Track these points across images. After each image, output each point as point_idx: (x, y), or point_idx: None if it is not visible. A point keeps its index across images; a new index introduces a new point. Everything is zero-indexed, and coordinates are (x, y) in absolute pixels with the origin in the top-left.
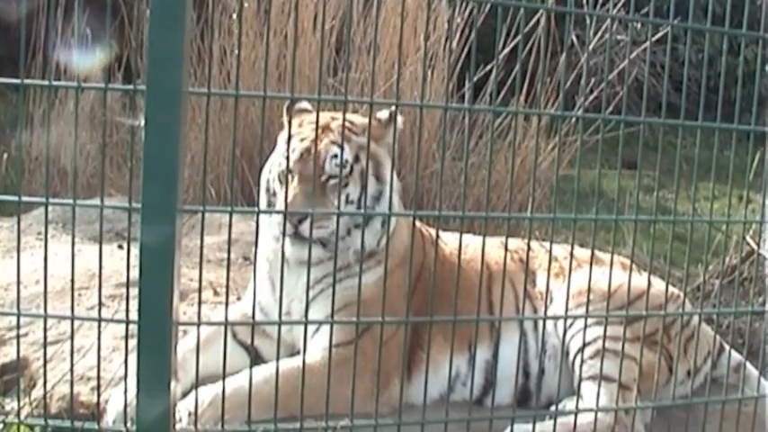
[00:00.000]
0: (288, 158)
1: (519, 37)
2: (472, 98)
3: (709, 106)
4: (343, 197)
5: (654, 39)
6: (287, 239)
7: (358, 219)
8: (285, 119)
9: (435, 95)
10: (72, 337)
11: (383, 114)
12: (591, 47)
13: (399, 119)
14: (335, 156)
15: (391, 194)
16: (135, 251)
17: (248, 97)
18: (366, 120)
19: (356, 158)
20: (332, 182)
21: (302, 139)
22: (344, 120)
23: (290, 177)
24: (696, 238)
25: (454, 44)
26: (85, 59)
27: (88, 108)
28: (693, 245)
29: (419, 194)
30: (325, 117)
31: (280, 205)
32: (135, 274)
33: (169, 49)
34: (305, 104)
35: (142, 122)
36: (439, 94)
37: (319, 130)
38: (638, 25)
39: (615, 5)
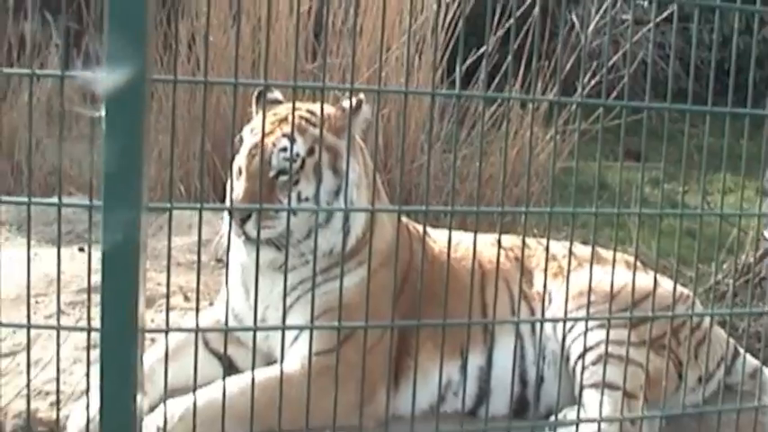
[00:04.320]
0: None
1: (512, 18)
2: (463, 84)
3: (723, 90)
4: (294, 194)
5: (660, 18)
6: (238, 240)
7: (320, 217)
8: (254, 109)
9: (423, 82)
10: (28, 348)
11: (347, 103)
12: (591, 27)
13: (366, 107)
14: (284, 149)
15: (347, 188)
16: (97, 254)
17: (218, 84)
18: (330, 109)
19: (310, 152)
20: (282, 178)
21: (255, 133)
22: (295, 109)
23: (238, 174)
24: (709, 233)
25: (443, 26)
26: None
27: (44, 98)
28: (705, 241)
29: (406, 189)
30: (287, 108)
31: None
32: (97, 278)
33: (131, 32)
34: (277, 95)
35: (102, 113)
36: (428, 81)
37: (275, 123)
38: (645, 3)
39: None
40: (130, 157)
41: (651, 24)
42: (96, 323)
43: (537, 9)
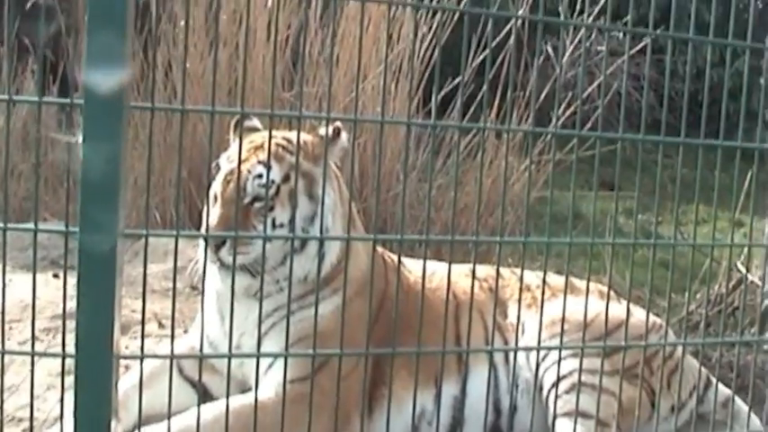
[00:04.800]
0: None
1: (488, 48)
2: (439, 114)
3: (697, 122)
4: (269, 221)
5: (635, 50)
6: (213, 267)
7: (295, 244)
8: (232, 136)
9: (399, 111)
10: (2, 374)
11: (327, 131)
12: (565, 58)
13: (344, 135)
14: (260, 176)
15: (323, 215)
16: (72, 280)
17: (195, 112)
18: (308, 137)
19: (285, 178)
20: (257, 204)
21: (231, 160)
22: (271, 137)
23: (213, 200)
24: (682, 264)
25: (419, 56)
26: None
27: (20, 124)
28: (679, 271)
29: (381, 218)
30: (263, 136)
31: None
32: (72, 304)
33: (110, 60)
34: (255, 123)
35: (80, 139)
36: (404, 110)
37: (251, 150)
38: (620, 35)
39: (590, 15)
40: (107, 183)
41: (625, 56)
42: (71, 349)
43: (512, 39)
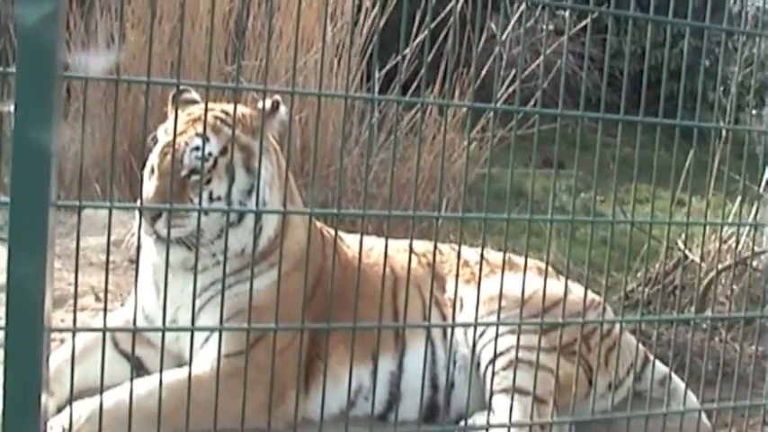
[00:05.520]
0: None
1: (429, 25)
2: (382, 89)
3: (641, 101)
4: (206, 193)
5: (578, 28)
6: (148, 239)
7: (232, 216)
8: (170, 108)
9: (342, 86)
10: None
11: (264, 104)
12: (507, 35)
13: (283, 109)
14: (197, 148)
15: (260, 188)
16: (3, 251)
17: (130, 82)
18: (246, 110)
19: (223, 151)
20: (194, 177)
21: (168, 132)
22: (209, 109)
23: (150, 173)
24: (623, 242)
25: (362, 31)
26: None
27: None
28: (619, 250)
29: (323, 194)
30: (201, 108)
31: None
32: (3, 276)
33: (43, 28)
34: (193, 95)
35: (11, 108)
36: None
37: (189, 123)
38: (565, 14)
39: None
40: (40, 153)
41: (566, 35)
42: (1, 321)
43: (455, 17)
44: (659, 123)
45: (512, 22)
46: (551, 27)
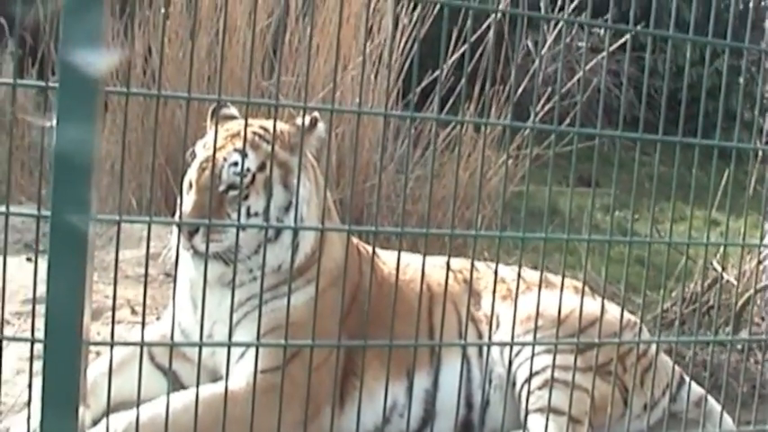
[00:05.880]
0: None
1: (467, 41)
2: (418, 106)
3: (676, 120)
4: (243, 209)
5: (614, 46)
6: (185, 254)
7: (270, 233)
8: (209, 124)
9: (378, 102)
10: None
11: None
12: (544, 52)
13: (321, 126)
14: (235, 164)
15: (298, 204)
16: (44, 264)
17: (171, 98)
18: (285, 126)
19: (261, 167)
20: (232, 193)
21: (207, 147)
22: (248, 125)
23: (188, 187)
24: (659, 262)
25: (399, 47)
26: None
27: None
28: (654, 269)
29: (358, 209)
30: (239, 124)
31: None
32: (43, 288)
33: (87, 42)
34: (232, 111)
35: (53, 123)
36: (383, 101)
37: (228, 138)
38: (601, 31)
39: (574, 10)
40: (80, 167)
41: (605, 52)
42: (40, 334)
43: (491, 33)
44: (698, 144)
45: (548, 41)
46: (588, 45)
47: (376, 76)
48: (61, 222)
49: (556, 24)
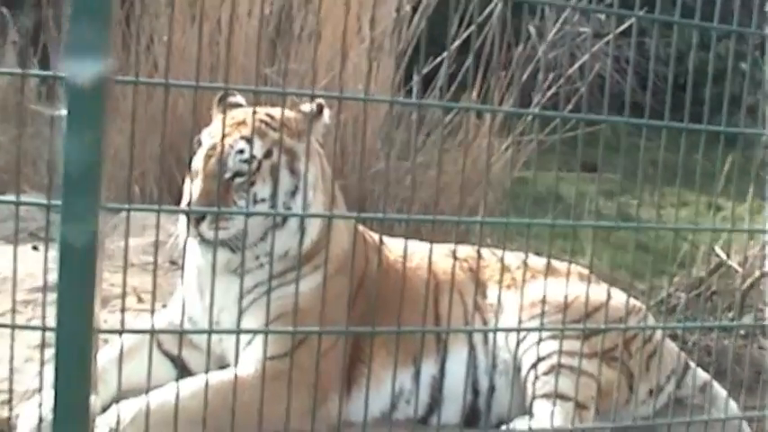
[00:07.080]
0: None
1: (472, 27)
2: (421, 92)
3: (679, 105)
4: (250, 196)
5: (617, 31)
6: (192, 241)
7: (276, 219)
8: (215, 112)
9: (381, 89)
10: None
11: (308, 108)
12: (549, 39)
13: (327, 113)
14: (241, 151)
15: (305, 189)
16: (52, 252)
17: (179, 87)
18: (290, 114)
19: (267, 154)
20: (238, 180)
21: (213, 135)
22: (254, 113)
23: (194, 175)
24: (662, 247)
25: (402, 34)
26: None
27: (1, 95)
28: (658, 255)
29: (362, 196)
30: (245, 111)
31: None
32: (51, 277)
33: (94, 30)
34: (238, 98)
35: (62, 112)
36: (385, 88)
37: (233, 126)
38: (603, 16)
39: None
40: (91, 156)
41: (608, 37)
42: (50, 322)
43: (494, 18)
44: (704, 130)
45: (551, 26)
46: (588, 30)
47: (378, 64)
48: (71, 210)
49: (559, 10)
